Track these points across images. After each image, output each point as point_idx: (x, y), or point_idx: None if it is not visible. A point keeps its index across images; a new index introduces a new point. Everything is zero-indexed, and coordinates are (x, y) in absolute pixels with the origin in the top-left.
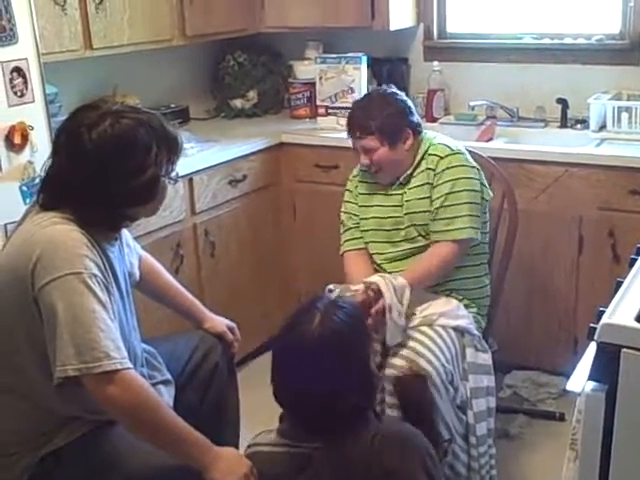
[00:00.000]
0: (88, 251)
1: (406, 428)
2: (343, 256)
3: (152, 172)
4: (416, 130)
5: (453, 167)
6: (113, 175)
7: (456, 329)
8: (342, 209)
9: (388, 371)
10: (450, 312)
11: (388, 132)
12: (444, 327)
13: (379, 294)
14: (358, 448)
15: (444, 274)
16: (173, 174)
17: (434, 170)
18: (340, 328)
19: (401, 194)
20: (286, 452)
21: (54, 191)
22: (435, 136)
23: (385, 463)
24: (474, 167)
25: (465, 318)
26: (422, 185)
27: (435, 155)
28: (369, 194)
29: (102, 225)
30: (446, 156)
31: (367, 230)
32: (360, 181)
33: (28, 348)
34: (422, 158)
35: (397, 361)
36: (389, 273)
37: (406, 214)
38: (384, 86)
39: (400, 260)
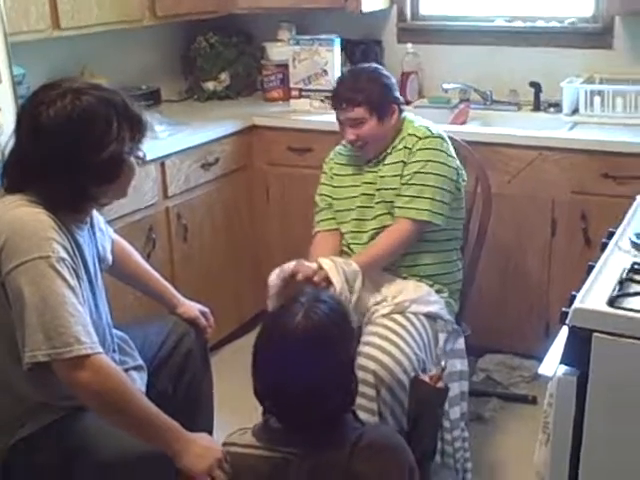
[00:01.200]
0: (56, 234)
1: (388, 436)
2: (314, 238)
3: (114, 148)
4: (400, 106)
5: (428, 149)
6: (72, 152)
7: (428, 315)
8: (317, 191)
9: (361, 360)
10: (421, 298)
11: (377, 104)
12: (415, 314)
13: (328, 281)
14: (336, 454)
15: (399, 253)
16: (140, 153)
17: (410, 149)
18: (323, 321)
19: (375, 171)
20: (262, 456)
21: (17, 173)
22: (416, 119)
23: (363, 471)
24: (450, 155)
25: (436, 304)
26: (397, 163)
27: (414, 136)
28: (343, 175)
29: (67, 206)
30: (425, 137)
31: (340, 210)
32: (336, 163)
33: None
34: (403, 137)
35: (369, 350)
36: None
37: (378, 190)
38: (366, 64)
39: (370, 240)
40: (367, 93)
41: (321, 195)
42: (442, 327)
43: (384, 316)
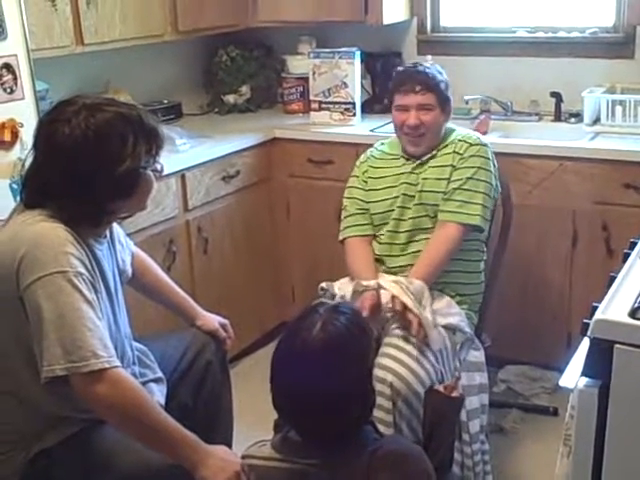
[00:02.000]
0: (74, 249)
1: (406, 447)
2: (344, 243)
3: (129, 163)
4: (450, 107)
5: (480, 156)
6: (88, 168)
7: (447, 327)
8: (346, 194)
9: (378, 372)
10: (441, 310)
11: (445, 96)
12: (435, 325)
13: (404, 305)
14: (356, 465)
15: (451, 257)
16: (158, 166)
17: (461, 154)
18: (341, 332)
19: (418, 173)
20: (281, 467)
21: (35, 188)
22: (458, 128)
23: None
24: (495, 166)
25: (457, 315)
26: (444, 166)
27: (464, 141)
28: (379, 178)
29: (86, 222)
30: (476, 144)
31: (378, 213)
32: (370, 166)
33: (15, 348)
34: (451, 142)
35: (386, 361)
36: (392, 259)
37: (419, 192)
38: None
39: (404, 244)
40: (439, 83)
41: (352, 199)
42: (461, 339)
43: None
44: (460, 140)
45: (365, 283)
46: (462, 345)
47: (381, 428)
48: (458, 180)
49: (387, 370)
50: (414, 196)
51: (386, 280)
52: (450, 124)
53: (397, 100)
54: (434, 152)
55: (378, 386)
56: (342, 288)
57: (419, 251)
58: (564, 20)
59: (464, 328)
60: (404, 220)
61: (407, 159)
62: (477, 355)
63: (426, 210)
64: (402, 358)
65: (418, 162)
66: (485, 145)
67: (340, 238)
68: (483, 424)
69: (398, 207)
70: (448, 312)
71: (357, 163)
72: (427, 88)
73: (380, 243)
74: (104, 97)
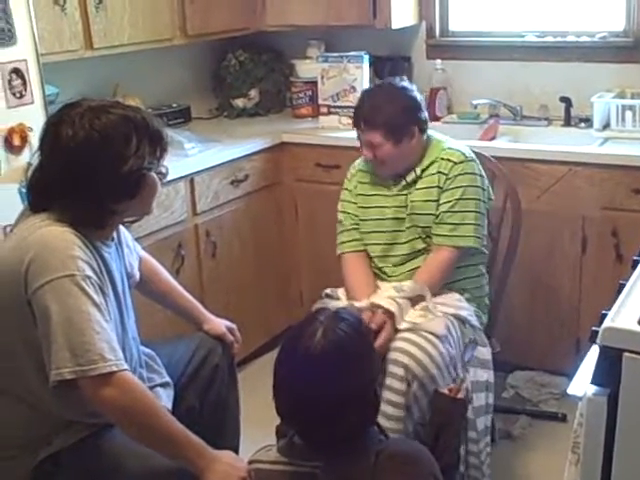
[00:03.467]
0: (81, 252)
1: (412, 448)
2: (341, 257)
3: (133, 163)
4: (423, 127)
5: (466, 174)
6: (92, 169)
7: (456, 317)
8: (340, 208)
9: (391, 354)
10: (450, 302)
11: (394, 128)
12: (444, 314)
13: (390, 315)
14: (361, 467)
15: (444, 280)
16: (162, 169)
17: (446, 175)
18: (342, 338)
19: (406, 195)
20: (287, 471)
21: (40, 191)
22: (446, 140)
23: None
24: (482, 176)
25: (466, 309)
26: (431, 188)
27: (449, 160)
28: (368, 195)
29: (91, 223)
30: (460, 162)
31: (367, 232)
32: (359, 181)
33: (23, 351)
34: (434, 161)
35: (401, 344)
36: (388, 276)
37: (410, 214)
38: (397, 78)
39: (401, 265)
40: (385, 116)
41: (346, 213)
42: (469, 332)
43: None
44: (443, 159)
45: (358, 305)
46: (467, 344)
47: (389, 409)
48: (447, 203)
49: (401, 352)
50: (405, 219)
51: (381, 297)
52: (437, 133)
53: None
54: (418, 173)
55: (391, 367)
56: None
57: (415, 268)
58: (573, 24)
59: (473, 322)
60: (399, 244)
61: (394, 179)
62: (484, 352)
63: (418, 233)
64: (416, 340)
65: (404, 183)
66: (470, 160)
67: (337, 253)
68: (487, 424)
69: (388, 231)
70: (457, 305)
71: (348, 175)
72: (371, 126)
73: (375, 265)
74: (109, 100)
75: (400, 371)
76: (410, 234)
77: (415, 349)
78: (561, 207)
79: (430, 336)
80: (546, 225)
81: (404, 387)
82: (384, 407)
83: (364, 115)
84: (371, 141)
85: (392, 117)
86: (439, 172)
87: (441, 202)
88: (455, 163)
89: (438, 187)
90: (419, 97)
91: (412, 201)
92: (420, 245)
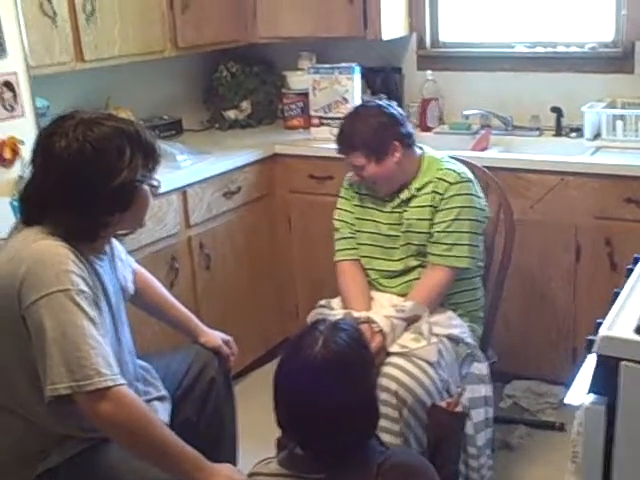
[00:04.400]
0: (75, 266)
1: (413, 459)
2: (337, 265)
3: (126, 175)
4: (405, 141)
5: (462, 195)
6: (85, 181)
7: (449, 337)
8: (336, 216)
9: (382, 381)
10: (442, 321)
11: (373, 147)
12: (437, 335)
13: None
14: (363, 478)
15: (441, 299)
16: (154, 182)
17: (442, 195)
18: (342, 349)
19: (400, 212)
20: None
21: (33, 204)
22: (442, 157)
23: None
24: (479, 196)
25: (458, 327)
26: (425, 207)
27: (444, 180)
28: (364, 207)
29: (84, 237)
30: (456, 183)
31: (362, 244)
32: (356, 192)
33: (17, 367)
34: (430, 181)
35: (390, 370)
36: (383, 287)
37: (404, 232)
38: (374, 98)
39: (394, 278)
40: (361, 136)
41: (343, 222)
42: (464, 350)
43: (404, 338)
44: (439, 178)
45: (356, 315)
46: (464, 360)
47: (387, 437)
48: (442, 223)
49: (391, 379)
50: (399, 237)
51: (378, 313)
52: (430, 149)
53: None
54: (413, 191)
55: (383, 395)
56: (340, 305)
57: (409, 281)
58: (563, 35)
59: (466, 339)
60: (393, 260)
61: (389, 196)
62: (481, 368)
63: (412, 251)
64: (407, 367)
65: (399, 201)
66: (466, 181)
67: (334, 260)
68: (488, 437)
69: (385, 247)
70: (450, 324)
71: (344, 184)
72: (349, 148)
73: (371, 278)
74: (102, 112)
75: (392, 399)
76: (404, 252)
77: (405, 376)
78: (554, 217)
79: (421, 362)
80: (539, 235)
81: (396, 414)
82: (380, 435)
83: (343, 140)
84: (354, 163)
85: (368, 136)
86: (434, 192)
87: (435, 222)
88: (451, 184)
89: (432, 207)
90: (397, 112)
91: (407, 219)
92: (413, 263)
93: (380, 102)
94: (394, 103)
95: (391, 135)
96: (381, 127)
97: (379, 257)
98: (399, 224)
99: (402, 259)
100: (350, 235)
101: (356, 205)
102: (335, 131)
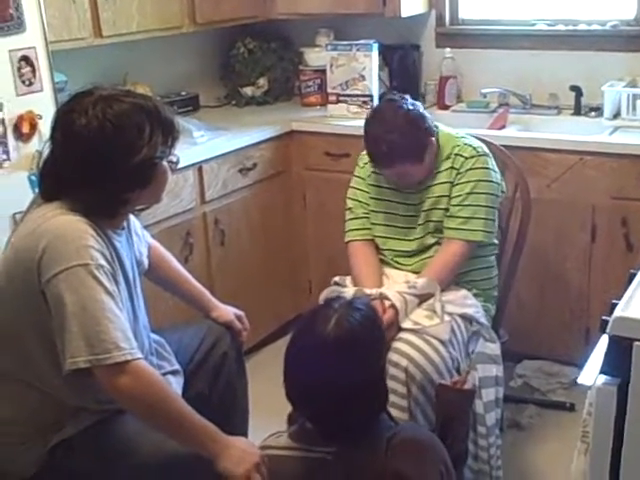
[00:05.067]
0: (94, 241)
1: (423, 435)
2: (348, 245)
3: (145, 153)
4: (433, 133)
5: (477, 169)
6: (105, 158)
7: (463, 317)
8: (350, 195)
9: (393, 356)
10: (457, 300)
11: (415, 153)
12: (450, 314)
13: (395, 310)
14: (373, 453)
15: (455, 274)
16: (173, 158)
17: (457, 169)
18: (355, 329)
19: (419, 193)
20: (299, 456)
21: (52, 180)
22: (457, 133)
23: (399, 469)
24: (495, 171)
25: (473, 307)
26: (444, 183)
27: (460, 156)
28: (380, 187)
29: (103, 213)
30: (471, 157)
31: (377, 224)
32: (373, 171)
33: (35, 339)
34: (447, 157)
35: (401, 345)
36: (399, 264)
37: (424, 211)
38: (389, 98)
39: (410, 257)
40: (401, 149)
41: (357, 201)
42: (478, 330)
43: (418, 315)
44: (456, 154)
45: (368, 292)
46: (471, 337)
47: (395, 412)
48: (458, 196)
49: (402, 355)
50: (417, 216)
51: (391, 289)
52: (441, 125)
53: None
54: (434, 174)
55: (393, 370)
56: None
57: (426, 258)
58: (584, 13)
59: (480, 319)
60: (410, 240)
61: None
62: (493, 347)
63: (430, 228)
64: (418, 343)
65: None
66: (482, 154)
67: (345, 240)
68: (498, 417)
69: (402, 227)
70: (464, 303)
71: (359, 163)
72: (393, 162)
73: (387, 258)
74: (121, 88)
75: (401, 374)
76: (421, 231)
77: (416, 352)
78: (571, 196)
79: (433, 340)
80: (556, 214)
81: (405, 390)
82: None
83: (382, 157)
84: (400, 173)
85: (409, 145)
86: (452, 167)
87: (452, 196)
88: (466, 158)
89: (450, 183)
90: (418, 107)
91: (428, 197)
92: (430, 240)
93: (403, 102)
94: (410, 100)
95: (425, 134)
96: (416, 131)
97: (395, 237)
98: (417, 204)
99: (418, 238)
100: (363, 215)
101: (371, 185)
102: (353, 108)
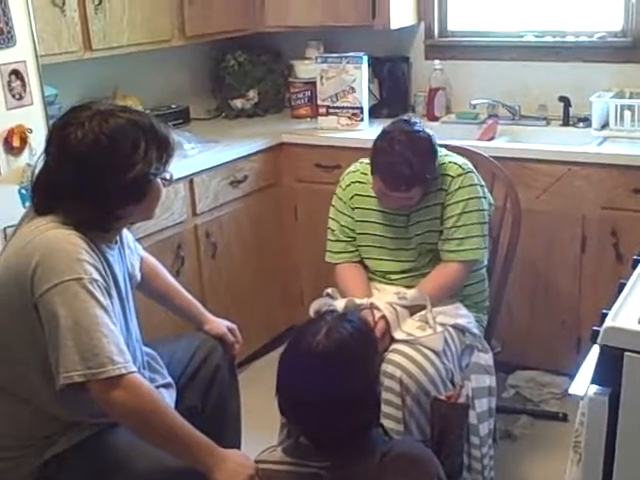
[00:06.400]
0: (87, 255)
1: (417, 450)
2: (335, 267)
3: (140, 169)
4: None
5: (465, 187)
6: (99, 173)
7: (455, 327)
8: (332, 216)
9: (387, 367)
10: (448, 311)
11: (430, 177)
12: (443, 325)
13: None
14: (367, 468)
15: (451, 295)
16: (167, 175)
17: (446, 190)
18: (345, 340)
19: (408, 215)
20: (292, 471)
21: (46, 194)
22: (440, 150)
23: None
24: (482, 185)
25: (465, 317)
26: (434, 205)
27: (447, 175)
28: (366, 209)
29: (96, 227)
30: (458, 175)
31: (364, 246)
32: (357, 194)
33: (29, 354)
34: (434, 177)
35: (395, 357)
36: (392, 280)
37: (418, 235)
38: (403, 122)
39: (401, 273)
40: (424, 173)
41: (339, 224)
42: (470, 340)
43: (410, 327)
44: (443, 174)
45: (359, 302)
46: (464, 350)
47: (390, 424)
48: (451, 218)
49: (396, 366)
50: (411, 238)
51: (380, 300)
52: (449, 128)
53: (377, 181)
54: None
55: (387, 381)
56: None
57: (420, 275)
58: (572, 24)
59: (472, 329)
60: (400, 262)
61: None
62: (486, 358)
63: (424, 249)
64: (412, 355)
65: None
66: (468, 172)
67: (328, 260)
68: (491, 428)
69: (393, 248)
70: (456, 313)
71: (341, 184)
72: (412, 185)
73: (375, 270)
74: (117, 104)
75: (396, 386)
76: (415, 253)
77: (410, 364)
78: (560, 207)
79: (426, 351)
80: (546, 225)
81: (400, 401)
82: (383, 421)
83: (405, 178)
84: (409, 196)
85: (428, 170)
86: (440, 189)
87: (445, 218)
88: (453, 177)
89: (440, 204)
90: (431, 132)
91: (418, 221)
92: (424, 260)
93: (415, 127)
94: (422, 124)
95: (436, 156)
96: (433, 157)
97: (385, 258)
98: (406, 226)
99: (411, 260)
100: (346, 239)
101: (356, 208)
102: (343, 120)
